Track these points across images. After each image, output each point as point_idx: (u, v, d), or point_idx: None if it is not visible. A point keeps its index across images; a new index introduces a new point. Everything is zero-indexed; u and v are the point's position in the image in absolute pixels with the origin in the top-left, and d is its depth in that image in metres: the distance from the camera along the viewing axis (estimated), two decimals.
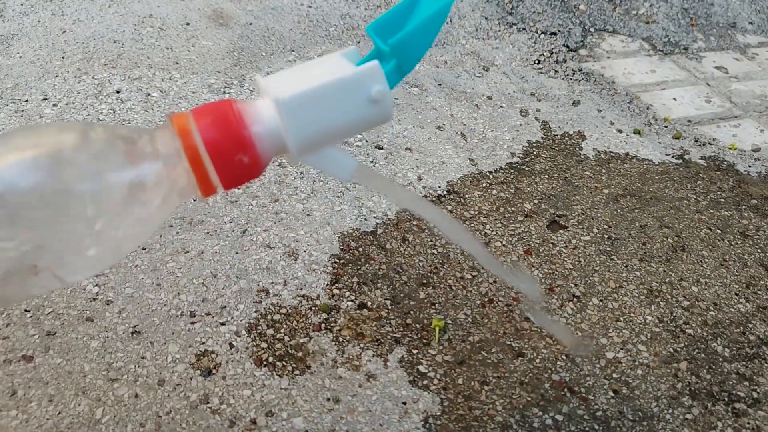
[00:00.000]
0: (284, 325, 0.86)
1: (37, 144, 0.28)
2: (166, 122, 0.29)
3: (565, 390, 0.84)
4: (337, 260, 0.96)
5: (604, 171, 1.25)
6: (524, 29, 1.67)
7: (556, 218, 1.11)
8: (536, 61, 1.57)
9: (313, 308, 0.88)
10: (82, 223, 0.28)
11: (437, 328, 0.88)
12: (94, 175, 0.28)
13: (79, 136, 0.28)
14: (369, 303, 0.91)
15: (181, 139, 0.28)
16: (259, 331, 0.84)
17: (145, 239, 0.32)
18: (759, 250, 1.12)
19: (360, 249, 0.99)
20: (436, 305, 0.92)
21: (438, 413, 0.79)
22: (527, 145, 1.29)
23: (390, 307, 0.91)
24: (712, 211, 1.19)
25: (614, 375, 0.87)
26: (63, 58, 1.29)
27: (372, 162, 1.16)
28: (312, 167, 0.32)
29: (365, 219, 1.04)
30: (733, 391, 0.87)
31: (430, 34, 0.31)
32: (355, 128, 0.31)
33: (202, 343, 0.82)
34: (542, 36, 1.66)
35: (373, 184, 0.34)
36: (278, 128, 0.29)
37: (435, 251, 1.01)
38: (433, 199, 1.11)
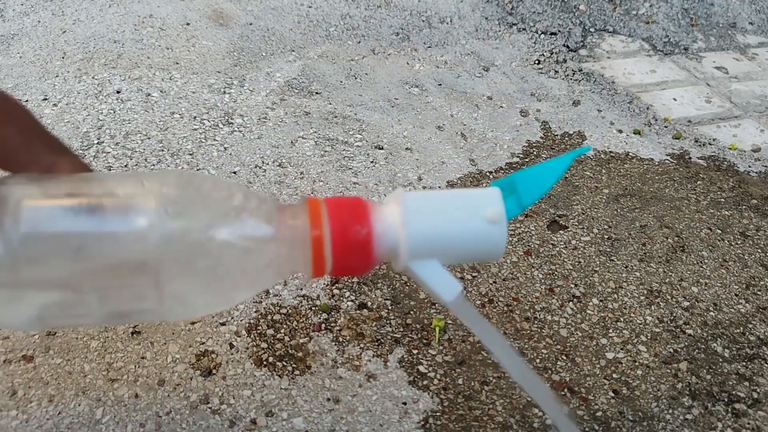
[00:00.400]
0: (284, 325, 0.86)
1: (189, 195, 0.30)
2: (300, 202, 0.31)
3: (565, 390, 0.84)
4: None
5: (604, 171, 1.25)
6: (524, 29, 1.67)
7: (556, 218, 1.11)
8: (536, 62, 1.57)
9: (313, 308, 0.88)
10: (203, 259, 0.29)
11: (437, 328, 0.88)
12: (226, 225, 0.29)
13: (228, 191, 0.30)
14: (369, 303, 0.91)
15: (312, 224, 0.30)
16: (259, 331, 0.84)
17: (242, 299, 0.34)
18: (759, 251, 1.12)
19: None
20: (436, 305, 0.92)
21: (438, 413, 0.79)
22: (527, 145, 1.29)
23: (390, 307, 0.91)
24: (712, 211, 1.19)
25: (614, 375, 0.87)
26: (63, 58, 1.29)
27: (372, 162, 1.16)
28: (416, 278, 0.32)
29: None
30: (733, 392, 0.87)
31: (551, 175, 0.34)
32: (467, 247, 0.31)
33: (202, 343, 0.82)
34: (542, 36, 1.66)
35: (469, 318, 0.34)
36: (396, 229, 0.30)
37: None
38: None
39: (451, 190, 0.32)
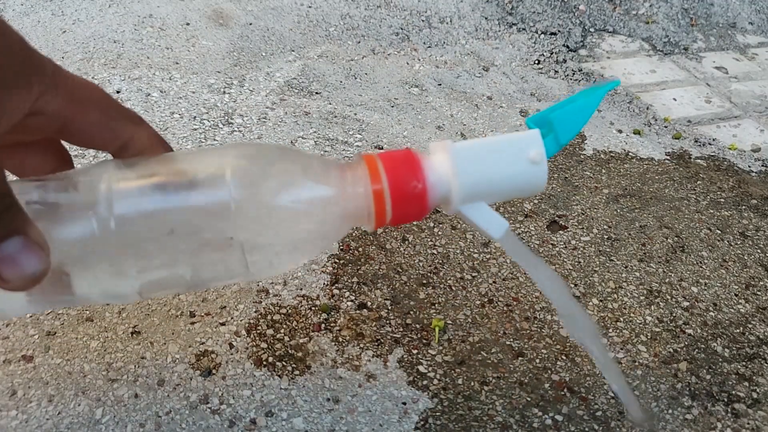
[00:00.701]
0: (284, 325, 0.86)
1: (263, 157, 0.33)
2: (357, 159, 0.34)
3: (565, 390, 0.84)
4: (337, 260, 0.96)
5: (604, 171, 1.25)
6: (524, 29, 1.67)
7: (556, 218, 1.11)
8: (536, 62, 1.57)
9: (313, 308, 0.88)
10: (279, 225, 0.32)
11: (437, 329, 0.88)
12: (297, 189, 0.32)
13: (296, 158, 0.33)
14: (369, 303, 0.91)
15: (371, 177, 0.33)
16: (258, 331, 0.84)
17: (317, 253, 0.38)
18: (759, 251, 1.12)
19: (360, 249, 0.99)
20: (436, 305, 0.92)
21: (438, 413, 0.79)
22: None
23: (390, 307, 0.91)
24: (712, 211, 1.19)
25: None
26: (63, 58, 1.29)
27: None
28: (466, 219, 0.35)
29: None
30: (733, 392, 0.87)
31: (585, 113, 0.36)
32: (513, 186, 0.34)
33: (202, 343, 0.82)
34: (542, 36, 1.66)
35: (518, 252, 0.36)
36: (447, 176, 0.33)
37: (435, 251, 1.01)
38: None
39: (494, 137, 0.34)
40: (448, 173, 0.33)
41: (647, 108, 1.47)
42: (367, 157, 0.34)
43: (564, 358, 0.88)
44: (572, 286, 0.99)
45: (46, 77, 0.29)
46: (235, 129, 1.18)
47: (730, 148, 1.39)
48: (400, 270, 0.97)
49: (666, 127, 1.43)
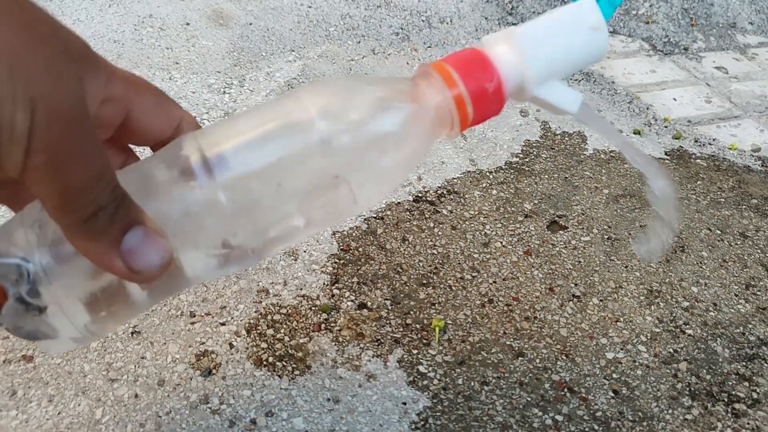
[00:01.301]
0: (284, 325, 0.86)
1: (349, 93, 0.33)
2: (427, 70, 0.34)
3: (565, 390, 0.84)
4: (337, 260, 0.96)
5: (604, 171, 1.25)
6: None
7: (556, 218, 1.11)
8: None
9: (313, 308, 0.88)
10: (375, 152, 0.33)
11: (437, 328, 0.88)
12: (382, 115, 0.33)
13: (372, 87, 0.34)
14: (369, 303, 0.91)
15: (447, 84, 0.34)
16: (259, 331, 0.84)
17: (411, 171, 0.38)
18: (759, 251, 1.12)
19: (360, 249, 0.99)
20: (436, 305, 0.92)
21: (438, 413, 0.79)
22: (527, 145, 1.29)
23: (390, 307, 0.91)
24: (712, 211, 1.19)
25: (614, 375, 0.87)
26: None
27: None
28: (542, 103, 0.36)
29: (365, 219, 1.04)
30: (733, 392, 0.87)
31: None
32: (580, 58, 0.35)
33: (202, 343, 0.82)
34: None
35: (595, 123, 0.37)
36: (518, 63, 0.34)
37: (435, 251, 1.01)
38: (433, 198, 1.11)
39: (549, 15, 0.35)
40: (518, 61, 0.34)
41: (647, 108, 1.47)
42: (437, 65, 0.34)
43: (564, 358, 0.88)
44: (572, 285, 0.99)
45: (105, 63, 0.29)
46: None
47: (730, 148, 1.39)
48: (400, 270, 0.97)
49: (666, 127, 1.43)
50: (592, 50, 0.35)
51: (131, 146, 0.36)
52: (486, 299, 0.94)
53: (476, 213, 1.09)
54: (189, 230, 0.30)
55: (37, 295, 0.28)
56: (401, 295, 0.93)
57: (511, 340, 0.89)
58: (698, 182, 1.27)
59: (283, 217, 0.32)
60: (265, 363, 0.81)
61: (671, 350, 0.92)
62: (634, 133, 1.38)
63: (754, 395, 0.87)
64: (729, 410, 0.85)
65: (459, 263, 0.99)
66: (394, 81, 0.35)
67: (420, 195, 1.11)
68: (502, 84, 0.34)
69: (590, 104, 0.35)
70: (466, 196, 1.13)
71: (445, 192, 1.13)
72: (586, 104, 0.36)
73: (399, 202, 1.08)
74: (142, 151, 0.32)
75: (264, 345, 0.83)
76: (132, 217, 0.27)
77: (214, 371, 0.79)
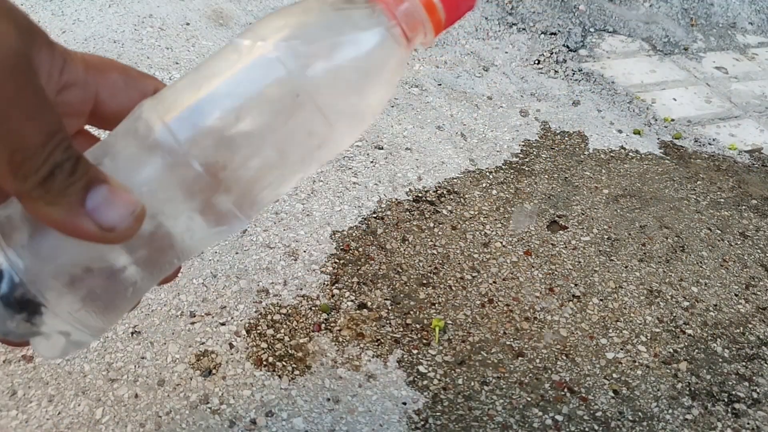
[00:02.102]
0: (284, 326, 0.86)
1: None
2: None
3: (565, 390, 0.84)
4: (337, 260, 0.96)
5: (604, 171, 1.25)
6: (524, 29, 1.67)
7: (556, 218, 1.11)
8: (536, 62, 1.57)
9: (313, 308, 0.88)
10: (342, 69, 0.30)
11: (437, 329, 0.88)
12: (344, 36, 0.31)
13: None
14: (369, 303, 0.91)
15: None
16: (259, 331, 0.84)
17: (389, 94, 0.36)
18: (759, 251, 1.12)
19: (360, 249, 0.99)
20: (436, 305, 0.92)
21: (438, 413, 0.79)
22: (527, 145, 1.29)
23: (390, 307, 0.91)
24: (712, 212, 1.19)
25: (614, 375, 0.87)
26: None
27: (372, 162, 1.16)
28: None
29: (365, 219, 1.04)
30: (733, 392, 0.87)
31: None
32: None
33: (202, 344, 0.82)
34: (542, 36, 1.66)
35: None
36: None
37: (435, 251, 1.01)
38: (433, 198, 1.11)
39: None
40: None
41: (647, 108, 1.47)
42: None
43: (564, 358, 0.88)
44: (572, 285, 0.99)
45: (60, 48, 0.28)
46: None
47: (730, 148, 1.39)
48: (400, 270, 0.97)
49: (666, 127, 1.43)
50: None
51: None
52: (486, 299, 0.94)
53: (476, 213, 1.09)
54: (166, 197, 0.28)
55: (24, 293, 0.27)
56: (401, 295, 0.93)
57: (511, 340, 0.89)
58: (698, 182, 1.27)
59: (253, 155, 0.30)
60: (265, 363, 0.81)
61: (671, 350, 0.92)
62: (635, 133, 1.38)
63: (754, 395, 0.87)
64: (729, 410, 0.85)
65: (459, 263, 0.99)
66: None
67: (420, 195, 1.11)
68: None
69: None
70: (466, 196, 1.13)
71: (445, 192, 1.13)
72: None
73: (399, 202, 1.08)
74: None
75: (264, 345, 0.83)
76: (92, 175, 0.25)
77: (214, 371, 0.79)
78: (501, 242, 1.04)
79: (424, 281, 0.95)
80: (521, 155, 1.25)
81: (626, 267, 1.04)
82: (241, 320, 0.85)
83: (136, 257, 0.29)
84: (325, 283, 0.92)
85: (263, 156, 0.30)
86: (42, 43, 0.26)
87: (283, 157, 0.30)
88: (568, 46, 1.64)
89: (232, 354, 0.81)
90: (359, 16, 0.31)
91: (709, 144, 1.39)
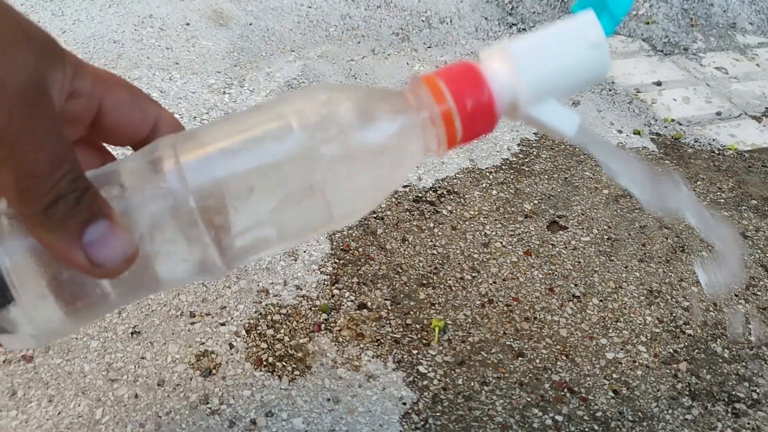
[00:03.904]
0: (284, 326, 0.86)
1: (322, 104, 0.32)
2: (417, 83, 0.32)
3: (565, 390, 0.84)
4: (337, 260, 0.96)
5: (604, 171, 1.25)
6: (524, 29, 1.67)
7: (556, 219, 1.11)
8: None
9: (313, 308, 0.88)
10: (354, 165, 0.31)
11: (437, 329, 0.88)
12: (367, 127, 0.31)
13: (351, 96, 0.32)
14: (369, 303, 0.91)
15: (436, 99, 0.32)
16: (258, 332, 0.84)
17: (394, 189, 0.37)
18: (759, 251, 1.12)
19: (360, 249, 0.99)
20: (436, 305, 0.92)
21: (438, 413, 0.79)
22: (527, 145, 1.29)
23: (390, 308, 0.91)
24: (712, 212, 1.19)
25: (614, 375, 0.87)
26: None
27: None
28: (537, 124, 0.34)
29: (365, 219, 1.04)
30: (733, 392, 0.87)
31: None
32: (579, 76, 0.33)
33: (202, 344, 0.82)
34: None
35: (594, 146, 0.35)
36: (512, 81, 0.32)
37: (435, 251, 1.01)
38: (433, 198, 1.11)
39: (548, 28, 0.33)
40: (512, 78, 0.32)
41: (647, 108, 1.47)
42: (427, 78, 0.32)
43: (564, 358, 0.88)
44: (572, 286, 0.99)
45: (72, 58, 0.28)
46: None
47: (730, 149, 1.39)
48: (400, 270, 0.97)
49: (666, 127, 1.43)
50: (591, 68, 0.33)
51: (109, 147, 0.35)
52: (486, 299, 0.94)
53: (476, 213, 1.09)
54: (161, 234, 0.29)
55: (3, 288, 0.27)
56: (401, 296, 0.93)
57: (511, 340, 0.89)
58: (698, 182, 1.27)
59: (253, 225, 0.31)
60: (265, 363, 0.81)
61: (671, 350, 0.92)
62: (634, 134, 1.38)
63: (754, 395, 0.87)
64: (729, 410, 0.85)
65: (459, 263, 0.99)
66: (383, 92, 0.33)
67: (420, 195, 1.11)
68: (494, 101, 0.32)
69: (589, 130, 0.34)
70: (466, 196, 1.13)
71: (445, 192, 1.13)
72: (585, 128, 0.34)
73: (399, 202, 1.08)
74: (122, 153, 0.32)
75: (264, 345, 0.83)
76: (96, 209, 0.26)
77: (214, 371, 0.79)
78: (501, 242, 1.05)
79: (424, 281, 0.95)
80: (521, 155, 1.25)
81: (626, 267, 1.04)
82: (241, 320, 0.85)
83: (118, 285, 0.30)
84: (325, 283, 0.92)
85: (261, 226, 0.31)
86: (57, 60, 0.27)
87: (280, 232, 0.31)
88: None
89: (232, 354, 0.81)
90: (383, 119, 0.32)
91: (709, 144, 1.39)
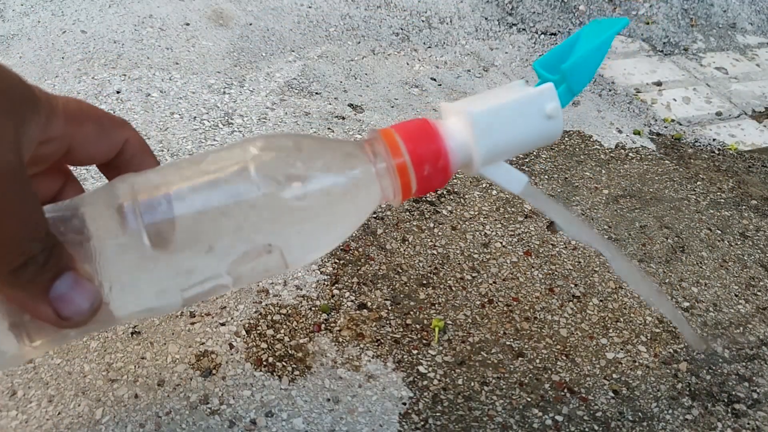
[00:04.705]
0: (284, 326, 0.86)
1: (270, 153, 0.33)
2: (375, 136, 0.34)
3: (565, 390, 0.84)
4: (337, 260, 0.96)
5: (603, 171, 1.25)
6: (524, 30, 1.67)
7: None
8: None
9: (313, 308, 0.88)
10: (302, 219, 0.32)
11: (437, 329, 0.88)
12: (324, 178, 0.32)
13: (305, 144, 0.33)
14: (369, 303, 0.91)
15: (392, 152, 0.33)
16: (258, 332, 0.84)
17: (348, 236, 0.38)
18: (759, 251, 1.12)
19: (360, 249, 0.99)
20: (436, 306, 0.92)
21: (438, 413, 0.79)
22: None
23: (390, 308, 0.91)
24: (712, 212, 1.19)
25: (614, 375, 0.87)
26: (63, 58, 1.29)
27: None
28: (488, 179, 0.36)
29: (365, 219, 1.04)
30: (733, 392, 0.87)
31: (597, 60, 0.36)
32: (531, 143, 0.35)
33: (202, 344, 0.82)
34: (542, 36, 1.66)
35: (540, 203, 0.38)
36: (467, 143, 0.34)
37: (435, 251, 1.01)
38: (433, 198, 1.11)
39: (508, 97, 0.34)
40: (468, 140, 0.33)
41: (647, 108, 1.47)
42: (384, 132, 0.34)
43: (564, 358, 0.88)
44: (572, 286, 0.99)
45: (46, 104, 0.29)
46: (235, 129, 1.18)
47: (730, 149, 1.39)
48: (400, 270, 0.97)
49: (666, 127, 1.43)
50: (544, 136, 0.35)
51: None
52: (486, 299, 0.94)
53: (476, 213, 1.10)
54: (118, 276, 0.30)
55: None
56: (401, 296, 0.93)
57: (511, 340, 0.89)
58: (698, 183, 1.27)
59: (210, 276, 0.31)
60: (265, 363, 0.81)
61: (671, 350, 0.92)
62: (634, 134, 1.38)
63: (754, 395, 0.87)
64: (729, 410, 0.85)
65: (459, 263, 0.99)
66: (341, 144, 0.34)
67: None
68: (448, 159, 0.33)
69: (534, 188, 0.36)
70: (466, 196, 1.13)
71: (445, 192, 1.13)
72: (530, 187, 0.36)
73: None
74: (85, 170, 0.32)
75: (264, 345, 0.83)
76: (62, 265, 0.27)
77: (214, 371, 0.79)
78: (501, 242, 1.05)
79: (424, 281, 0.95)
80: (521, 155, 1.25)
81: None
82: (241, 320, 0.85)
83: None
84: (325, 283, 0.92)
85: (215, 272, 0.31)
86: (31, 110, 0.28)
87: (236, 281, 0.32)
88: None
89: (232, 354, 0.81)
90: (340, 171, 0.33)
91: (709, 144, 1.39)
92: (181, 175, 0.31)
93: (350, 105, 1.31)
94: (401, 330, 0.88)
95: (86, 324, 0.28)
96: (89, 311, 0.28)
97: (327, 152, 0.33)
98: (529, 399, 0.82)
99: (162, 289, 0.30)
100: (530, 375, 0.85)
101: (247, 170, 0.30)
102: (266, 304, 0.88)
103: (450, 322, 0.90)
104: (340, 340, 0.85)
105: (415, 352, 0.86)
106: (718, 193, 1.24)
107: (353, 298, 0.91)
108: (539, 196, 0.38)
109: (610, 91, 1.51)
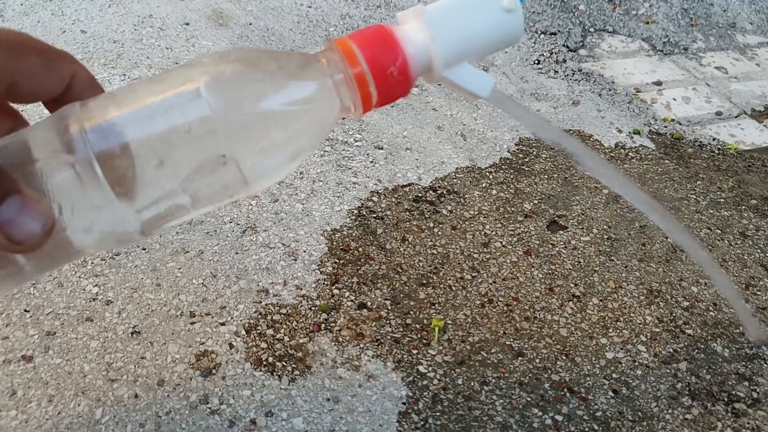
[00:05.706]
0: (284, 326, 0.86)
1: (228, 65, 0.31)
2: (331, 46, 0.32)
3: (565, 390, 0.84)
4: (337, 260, 0.96)
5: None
6: (524, 30, 1.67)
7: (556, 218, 1.11)
8: (536, 62, 1.57)
9: (312, 308, 0.88)
10: (255, 133, 0.31)
11: (437, 329, 0.88)
12: (277, 90, 0.31)
13: (259, 58, 0.32)
14: (369, 303, 0.91)
15: (349, 62, 0.31)
16: (258, 332, 0.84)
17: (310, 153, 0.37)
18: (758, 251, 1.12)
19: (360, 249, 0.99)
20: (436, 305, 0.92)
21: (438, 413, 0.79)
22: (527, 145, 1.29)
23: (390, 307, 0.91)
24: (711, 212, 1.19)
25: (614, 375, 0.87)
26: None
27: (372, 162, 1.16)
28: (452, 86, 0.34)
29: (365, 219, 1.04)
30: (733, 392, 0.87)
31: None
32: (492, 41, 0.34)
33: (202, 344, 0.82)
34: (542, 36, 1.66)
35: (507, 106, 0.36)
36: (426, 44, 0.32)
37: (435, 251, 1.01)
38: (433, 198, 1.11)
39: None
40: (426, 40, 0.32)
41: (647, 108, 1.47)
42: (340, 41, 0.32)
43: (564, 358, 0.88)
44: (572, 285, 0.99)
45: None
46: None
47: (730, 148, 1.39)
48: (400, 270, 0.97)
49: (666, 127, 1.43)
50: (505, 33, 0.33)
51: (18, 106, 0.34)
52: (486, 299, 0.94)
53: (476, 213, 1.09)
54: (71, 203, 0.29)
55: None
56: (401, 295, 0.93)
57: (511, 340, 0.89)
58: (698, 182, 1.27)
59: (164, 196, 0.30)
60: (264, 363, 0.81)
61: (671, 350, 0.92)
62: (634, 133, 1.38)
63: (754, 395, 0.87)
64: (729, 410, 0.85)
65: (459, 263, 0.99)
66: (296, 56, 0.33)
67: (420, 195, 1.11)
68: (408, 65, 0.32)
69: (501, 92, 0.35)
70: (466, 196, 1.13)
71: (445, 192, 1.13)
72: (497, 90, 0.34)
73: (399, 202, 1.08)
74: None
75: (264, 345, 0.83)
76: (6, 188, 0.26)
77: (213, 371, 0.79)
78: (501, 242, 1.04)
79: (424, 281, 0.95)
80: (521, 155, 1.25)
81: (626, 267, 1.04)
82: (240, 320, 0.85)
83: (33, 256, 0.30)
84: (325, 283, 0.92)
85: (170, 190, 0.30)
86: None
87: (194, 199, 0.31)
88: (567, 46, 1.64)
89: (231, 354, 0.81)
90: (296, 83, 0.31)
91: (709, 144, 1.39)
92: (131, 97, 0.30)
93: None
94: (401, 330, 0.88)
95: (40, 246, 0.27)
96: (42, 232, 0.27)
97: (280, 65, 0.32)
98: (529, 399, 0.82)
99: (115, 210, 0.29)
100: (530, 375, 0.85)
101: (197, 87, 0.30)
102: (266, 304, 0.88)
103: (450, 322, 0.90)
104: (340, 339, 0.85)
105: (414, 351, 0.86)
106: (718, 193, 1.24)
107: (353, 297, 0.91)
108: (507, 100, 0.36)
109: (610, 90, 1.51)
